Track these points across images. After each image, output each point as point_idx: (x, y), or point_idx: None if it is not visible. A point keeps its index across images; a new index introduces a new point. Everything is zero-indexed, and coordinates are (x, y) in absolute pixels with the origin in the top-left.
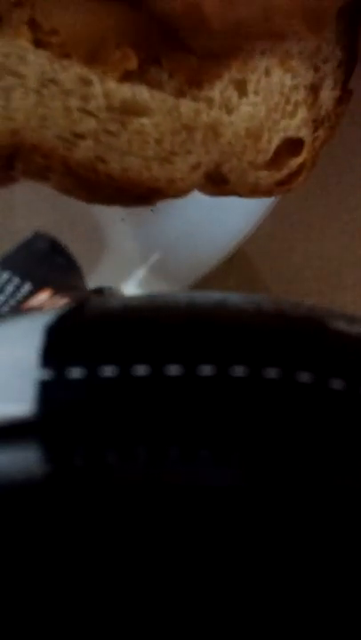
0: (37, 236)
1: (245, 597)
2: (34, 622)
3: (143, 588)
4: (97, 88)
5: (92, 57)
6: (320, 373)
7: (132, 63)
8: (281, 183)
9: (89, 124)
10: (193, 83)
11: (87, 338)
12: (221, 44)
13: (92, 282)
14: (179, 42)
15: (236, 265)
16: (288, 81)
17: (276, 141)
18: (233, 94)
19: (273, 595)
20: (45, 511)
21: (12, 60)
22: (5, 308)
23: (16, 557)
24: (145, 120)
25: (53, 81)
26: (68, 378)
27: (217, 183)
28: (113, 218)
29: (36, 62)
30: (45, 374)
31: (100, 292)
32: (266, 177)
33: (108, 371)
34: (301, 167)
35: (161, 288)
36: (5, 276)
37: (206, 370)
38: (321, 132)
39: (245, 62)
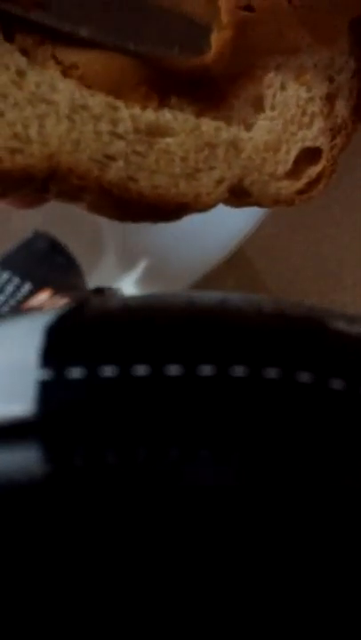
0: (37, 236)
1: (246, 597)
2: (34, 622)
3: (143, 587)
4: (123, 112)
5: (114, 92)
6: (320, 373)
7: (154, 102)
8: (301, 192)
9: (119, 146)
10: (211, 107)
11: (87, 338)
12: (235, 67)
13: (92, 282)
14: (192, 84)
15: (236, 265)
16: (304, 94)
17: (294, 152)
18: (250, 111)
19: (273, 594)
20: (45, 511)
21: (44, 88)
22: (5, 308)
23: (16, 557)
24: (169, 140)
25: (83, 107)
26: (67, 378)
27: (240, 196)
28: None
29: (67, 89)
30: (45, 374)
31: (100, 291)
32: (287, 187)
33: (108, 371)
34: (321, 175)
35: (161, 288)
36: (5, 276)
37: (206, 370)
38: (338, 140)
39: (261, 79)
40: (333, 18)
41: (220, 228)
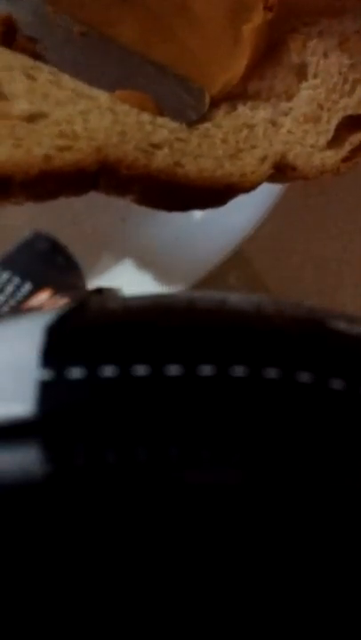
0: (37, 236)
1: (246, 596)
2: (34, 622)
3: (143, 587)
4: None
5: None
6: (320, 373)
7: None
8: (346, 159)
9: (162, 135)
10: (254, 74)
11: (87, 338)
12: (279, 31)
13: (92, 282)
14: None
15: (236, 265)
16: (346, 60)
17: (335, 121)
18: (293, 80)
19: (273, 594)
20: (46, 511)
21: (81, 84)
22: (5, 308)
23: (16, 557)
24: (207, 124)
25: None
26: (68, 378)
27: (285, 171)
28: (113, 218)
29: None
30: (45, 374)
31: (100, 292)
32: (331, 156)
33: (108, 371)
34: None
35: (161, 288)
36: (5, 275)
37: (206, 370)
38: None
39: (304, 45)
40: None
41: (221, 228)
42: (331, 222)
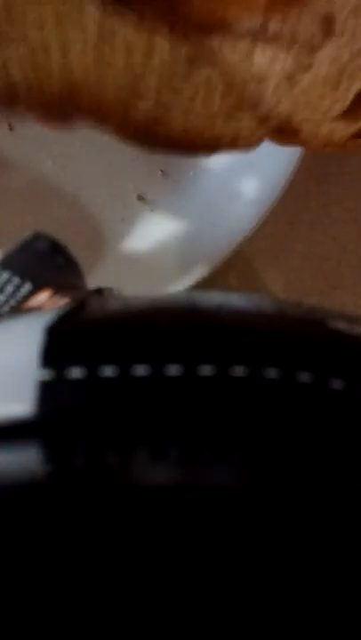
0: (37, 236)
1: (246, 597)
2: (34, 622)
3: (143, 587)
4: (162, 41)
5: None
6: (320, 373)
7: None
8: (356, 136)
9: (150, 82)
10: (277, 10)
11: (87, 338)
12: None
13: (92, 282)
14: None
15: (236, 265)
16: None
17: (355, 90)
18: (317, 33)
19: (273, 594)
20: (46, 511)
21: (71, 6)
22: (5, 308)
23: (16, 557)
24: (210, 70)
25: (113, 33)
26: (68, 378)
27: (287, 134)
28: (113, 218)
29: (95, 13)
30: (45, 374)
31: (100, 292)
32: (341, 129)
33: (109, 371)
34: None
35: (161, 288)
36: (5, 275)
37: (206, 370)
38: None
39: None
40: None
41: (221, 228)
42: (331, 222)
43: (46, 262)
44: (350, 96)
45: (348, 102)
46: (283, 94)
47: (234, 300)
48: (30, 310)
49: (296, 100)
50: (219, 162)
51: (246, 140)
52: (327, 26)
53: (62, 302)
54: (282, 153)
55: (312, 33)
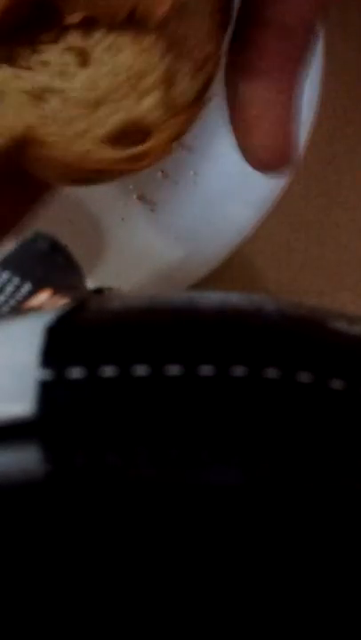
0: (37, 236)
1: (246, 596)
2: (34, 621)
3: (143, 586)
4: None
5: None
6: (320, 373)
7: None
8: (131, 159)
9: None
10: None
11: (87, 338)
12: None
13: (92, 282)
14: None
15: (236, 265)
16: (139, 63)
17: (115, 120)
18: (72, 61)
19: (273, 592)
20: (46, 511)
21: None
22: (5, 308)
23: (17, 557)
24: None
25: None
26: (68, 378)
27: (29, 148)
28: (113, 218)
29: None
30: (45, 374)
31: (100, 292)
32: (108, 152)
33: (109, 371)
34: (146, 154)
35: (161, 288)
36: (5, 276)
37: (206, 370)
38: (173, 122)
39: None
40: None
41: (221, 228)
42: (331, 222)
43: (46, 262)
44: (111, 125)
45: (107, 129)
46: (25, 109)
47: (234, 299)
48: (30, 310)
49: (43, 114)
50: (219, 162)
51: None
52: (83, 57)
53: (62, 302)
54: None
55: (66, 62)
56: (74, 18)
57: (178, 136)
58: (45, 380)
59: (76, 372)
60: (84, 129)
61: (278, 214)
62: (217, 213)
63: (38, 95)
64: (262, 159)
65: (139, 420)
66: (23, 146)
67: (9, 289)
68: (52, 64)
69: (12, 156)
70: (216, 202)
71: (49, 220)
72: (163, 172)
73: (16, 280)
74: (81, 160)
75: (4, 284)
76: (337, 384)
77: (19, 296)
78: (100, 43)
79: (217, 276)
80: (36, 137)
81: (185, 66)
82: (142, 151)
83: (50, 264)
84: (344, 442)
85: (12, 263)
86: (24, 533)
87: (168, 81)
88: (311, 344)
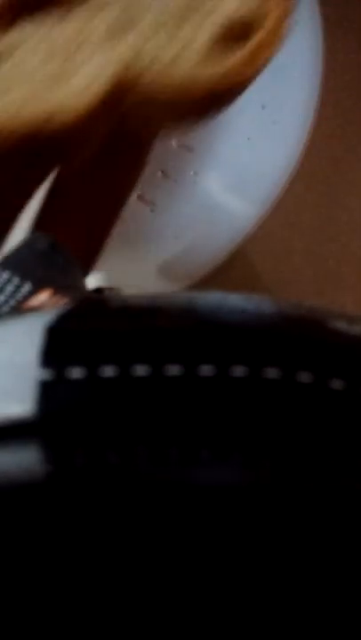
0: (37, 236)
1: (246, 595)
2: (35, 620)
3: (144, 586)
4: None
5: None
6: (320, 373)
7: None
8: (231, 72)
9: None
10: None
11: (87, 338)
12: None
13: (92, 282)
14: None
15: (236, 265)
16: None
17: (206, 30)
18: None
19: (273, 592)
20: (46, 511)
21: None
22: (5, 308)
23: (17, 557)
24: (17, 38)
25: None
26: (68, 378)
27: (126, 92)
28: None
29: None
30: (46, 374)
31: (100, 292)
32: (203, 70)
33: (109, 371)
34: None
35: (161, 288)
36: (5, 276)
37: (206, 370)
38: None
39: None
40: None
41: (220, 228)
42: (331, 222)
43: (46, 262)
44: (203, 37)
45: (200, 43)
46: (109, 49)
47: (234, 299)
48: (30, 310)
49: (129, 51)
50: (219, 162)
51: (75, 111)
52: None
53: (62, 302)
54: (282, 152)
55: None
56: None
57: (285, 16)
58: (45, 379)
59: (76, 372)
60: (182, 44)
61: (278, 214)
62: (217, 213)
63: (114, 31)
64: None
65: (139, 419)
66: (120, 97)
67: (9, 289)
68: None
69: (112, 109)
70: (216, 202)
71: None
72: (163, 171)
73: (16, 280)
74: (189, 84)
75: (4, 284)
76: (337, 384)
77: (19, 296)
78: None
79: (217, 276)
80: (128, 80)
81: None
82: (253, 48)
83: (50, 264)
84: (344, 442)
85: (12, 263)
86: (24, 533)
87: None
88: (311, 344)
